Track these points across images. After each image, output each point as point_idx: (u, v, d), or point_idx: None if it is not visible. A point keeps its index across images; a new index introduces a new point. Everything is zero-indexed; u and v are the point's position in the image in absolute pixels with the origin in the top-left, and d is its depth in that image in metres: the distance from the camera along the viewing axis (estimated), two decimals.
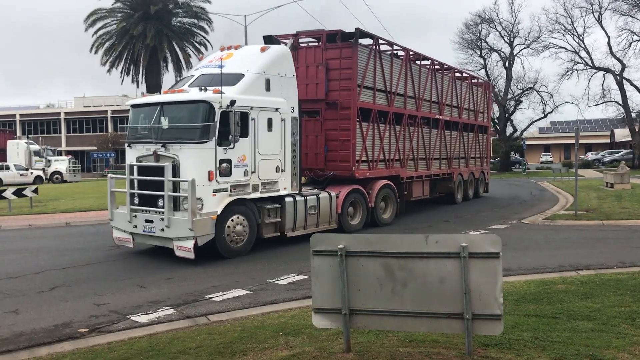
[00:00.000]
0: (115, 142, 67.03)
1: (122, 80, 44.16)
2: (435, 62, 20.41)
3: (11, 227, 17.27)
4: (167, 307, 7.97)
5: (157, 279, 9.81)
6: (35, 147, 51.49)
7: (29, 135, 58.93)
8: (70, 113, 72.98)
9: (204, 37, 44.70)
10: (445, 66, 21.61)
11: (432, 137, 20.00)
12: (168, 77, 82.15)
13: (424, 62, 19.46)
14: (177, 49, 43.49)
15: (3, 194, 20.10)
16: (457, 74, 22.96)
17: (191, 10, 44.07)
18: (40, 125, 68.91)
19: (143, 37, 40.76)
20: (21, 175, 43.37)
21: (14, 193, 20.55)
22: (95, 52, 42.66)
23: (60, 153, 60.39)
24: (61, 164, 51.32)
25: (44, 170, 49.59)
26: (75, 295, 8.80)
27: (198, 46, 44.48)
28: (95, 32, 42.70)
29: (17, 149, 50.51)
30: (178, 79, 43.58)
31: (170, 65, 44.15)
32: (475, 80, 25.15)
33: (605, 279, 8.71)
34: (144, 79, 43.26)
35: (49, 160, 51.90)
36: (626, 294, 7.74)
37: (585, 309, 7.01)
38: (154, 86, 42.83)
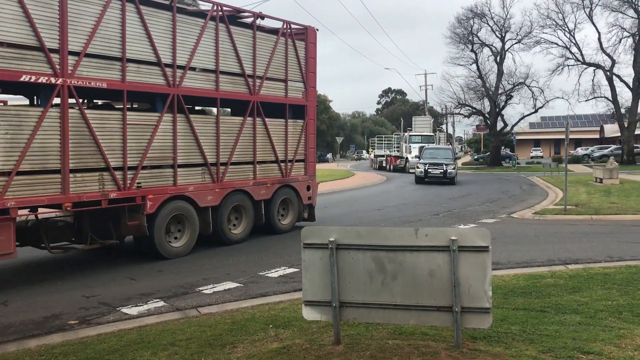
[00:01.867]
0: None
1: None
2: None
3: None
4: (157, 299, 7.96)
5: (148, 271, 9.79)
6: None
7: None
8: None
9: None
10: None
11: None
12: None
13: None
14: None
15: None
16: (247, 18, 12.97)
17: None
18: None
19: None
20: None
21: None
22: None
23: None
24: None
25: None
26: (65, 287, 8.78)
27: None
28: None
29: None
30: None
31: None
32: (286, 28, 13.66)
33: (593, 273, 8.79)
34: None
35: None
36: (613, 288, 7.82)
37: (573, 302, 7.08)
38: None
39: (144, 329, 6.63)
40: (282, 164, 13.69)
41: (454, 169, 32.16)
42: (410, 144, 42.40)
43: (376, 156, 55.24)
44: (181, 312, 7.44)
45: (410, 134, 44.58)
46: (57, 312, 7.43)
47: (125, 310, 7.50)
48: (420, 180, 31.96)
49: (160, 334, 6.32)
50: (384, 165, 50.67)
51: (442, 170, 31.46)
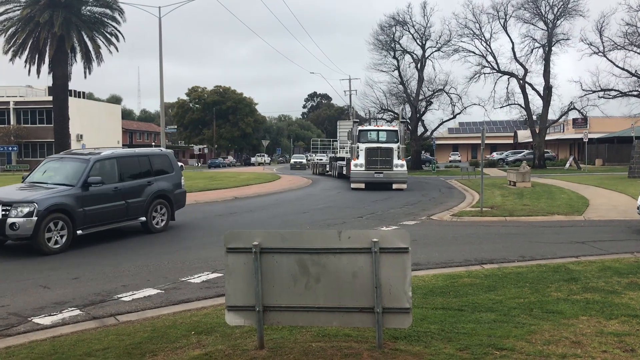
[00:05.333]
0: (19, 135, 63.36)
1: (29, 71, 41.16)
2: None
3: None
4: (72, 308, 7.62)
5: (63, 279, 9.36)
6: None
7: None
8: None
9: (115, 28, 42.96)
10: None
11: None
12: (76, 69, 78.46)
13: None
14: (87, 39, 41.45)
15: None
16: None
17: None
18: None
19: (50, 25, 38.57)
20: None
21: None
22: None
23: None
24: None
25: None
26: None
27: (109, 36, 42.70)
28: None
29: None
30: (87, 70, 41.62)
31: (79, 56, 42.07)
32: None
33: (507, 272, 9.20)
34: (50, 70, 40.94)
35: None
36: (525, 286, 8.22)
37: (489, 301, 7.38)
38: (61, 77, 40.70)
39: (57, 339, 6.33)
40: None
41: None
42: (359, 144, 29.42)
43: (316, 162, 50.30)
44: (98, 320, 7.16)
45: (362, 128, 31.34)
46: None
47: (37, 320, 7.13)
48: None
49: (75, 344, 6.06)
50: (327, 170, 45.16)
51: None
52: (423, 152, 66.84)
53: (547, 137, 57.99)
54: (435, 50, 54.27)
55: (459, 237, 13.52)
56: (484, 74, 51.75)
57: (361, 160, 28.90)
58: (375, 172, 28.57)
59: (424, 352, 5.36)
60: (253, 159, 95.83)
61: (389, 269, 5.13)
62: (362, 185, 28.91)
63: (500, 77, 52.06)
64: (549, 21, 49.49)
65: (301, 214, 18.81)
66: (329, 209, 20.08)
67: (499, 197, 22.78)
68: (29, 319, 7.18)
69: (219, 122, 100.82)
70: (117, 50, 43.16)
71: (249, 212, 19.18)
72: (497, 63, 51.72)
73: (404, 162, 29.34)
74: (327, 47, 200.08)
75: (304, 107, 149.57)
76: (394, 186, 28.56)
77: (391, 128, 31.69)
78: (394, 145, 29.18)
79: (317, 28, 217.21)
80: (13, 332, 6.69)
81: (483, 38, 51.63)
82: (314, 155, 55.94)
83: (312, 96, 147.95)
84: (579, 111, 50.62)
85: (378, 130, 31.29)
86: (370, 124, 43.63)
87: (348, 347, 5.49)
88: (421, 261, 10.32)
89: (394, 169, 28.54)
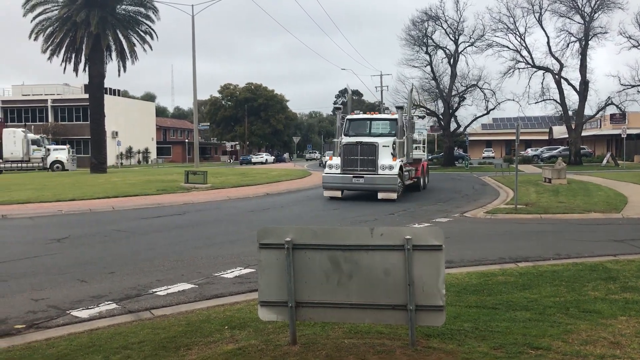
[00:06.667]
0: (57, 133, 64.88)
1: (64, 69, 42.27)
2: None
3: None
4: (109, 302, 7.78)
5: (99, 273, 9.56)
6: (33, 135, 50.80)
7: (26, 124, 57.67)
8: (8, 101, 70.05)
9: (150, 26, 43.64)
10: None
11: None
12: (112, 67, 79.96)
13: None
14: (122, 38, 42.21)
15: None
16: None
17: None
18: None
19: (86, 24, 39.38)
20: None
21: None
22: (35, 39, 40.98)
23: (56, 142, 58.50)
24: (61, 153, 50.46)
25: (43, 159, 49.21)
26: (12, 290, 8.47)
27: (143, 35, 43.38)
28: (35, 18, 41.01)
29: (14, 137, 49.50)
30: (122, 68, 42.38)
31: (114, 55, 42.87)
32: None
33: (542, 271, 9.05)
34: (86, 68, 41.83)
35: (48, 149, 51.16)
36: (561, 284, 8.07)
37: (524, 299, 7.27)
38: (96, 75, 41.51)
39: (95, 332, 6.46)
40: None
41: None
42: (342, 138, 22.63)
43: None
44: (134, 314, 7.29)
45: (350, 116, 23.96)
46: (3, 316, 7.16)
47: (75, 313, 7.29)
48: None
49: (112, 337, 6.18)
50: None
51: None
52: (456, 148, 66.13)
53: (584, 133, 56.79)
54: (469, 45, 53.60)
55: (492, 235, 13.35)
56: (519, 69, 50.98)
57: (337, 160, 22.12)
58: (354, 176, 21.38)
59: (457, 350, 5.31)
60: (255, 158, 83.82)
61: (422, 267, 5.10)
62: (338, 194, 22.14)
63: (535, 72, 51.16)
64: (585, 14, 48.36)
65: (332, 210, 18.82)
66: (359, 206, 20.02)
67: (534, 194, 22.40)
68: (68, 311, 7.35)
69: (250, 119, 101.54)
70: (151, 49, 43.92)
71: (280, 208, 19.28)
72: (531, 58, 50.83)
73: (397, 163, 21.46)
74: (356, 43, 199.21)
75: (335, 103, 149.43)
76: (380, 195, 21.30)
77: (388, 116, 23.70)
78: (383, 140, 21.83)
79: (346, 23, 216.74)
80: (52, 325, 6.86)
81: (517, 32, 50.79)
82: None
83: (343, 92, 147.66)
84: (617, 106, 49.43)
85: (371, 120, 23.57)
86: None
87: (381, 344, 5.48)
88: (454, 259, 10.22)
89: (379, 171, 21.16)
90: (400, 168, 21.72)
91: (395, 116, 22.92)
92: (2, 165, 48.28)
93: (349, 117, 23.77)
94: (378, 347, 5.38)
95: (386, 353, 5.21)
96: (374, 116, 24.04)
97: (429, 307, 5.15)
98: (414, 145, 25.88)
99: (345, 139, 22.16)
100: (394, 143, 22.21)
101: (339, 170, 21.73)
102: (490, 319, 6.37)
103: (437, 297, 5.12)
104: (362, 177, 21.27)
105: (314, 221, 15.87)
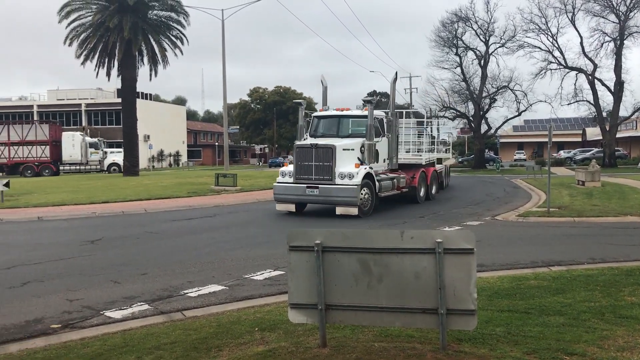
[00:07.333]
0: (91, 136, 66.21)
1: (97, 74, 43.30)
2: None
3: None
4: (141, 303, 7.90)
5: (132, 274, 9.71)
6: (91, 139, 52.44)
7: (85, 127, 59.45)
8: (43, 106, 71.80)
9: (180, 31, 44.26)
10: None
11: None
12: (143, 71, 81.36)
13: None
14: (153, 43, 42.92)
15: None
16: None
17: (167, 3, 43.55)
18: (12, 118, 67.67)
19: (119, 30, 40.14)
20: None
21: None
22: (70, 45, 41.93)
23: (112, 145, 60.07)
24: (118, 156, 51.97)
25: (100, 162, 50.79)
26: (48, 290, 8.67)
27: (174, 40, 44.01)
28: (70, 24, 41.97)
29: (73, 141, 51.11)
30: (153, 73, 43.09)
31: (146, 59, 43.60)
32: None
33: (576, 275, 8.87)
34: (119, 73, 42.65)
35: (105, 152, 52.79)
36: (596, 289, 7.89)
37: (557, 304, 7.14)
38: (129, 79, 42.25)
39: (128, 332, 6.57)
40: None
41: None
42: (308, 136, 19.64)
43: None
44: (166, 315, 7.38)
45: (316, 114, 20.50)
46: (40, 316, 7.34)
47: (109, 314, 7.43)
48: None
49: (144, 337, 6.27)
50: None
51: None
52: (487, 150, 65.39)
53: (618, 135, 55.60)
54: (500, 47, 53.06)
55: (524, 238, 13.15)
56: (551, 70, 50.24)
57: (291, 167, 18.33)
58: (308, 186, 17.54)
59: (489, 355, 5.24)
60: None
61: (453, 270, 5.04)
62: (292, 207, 18.36)
63: (568, 72, 50.33)
64: (621, 13, 47.39)
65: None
66: (388, 209, 19.93)
67: (567, 197, 22.00)
68: (101, 312, 7.49)
69: (279, 122, 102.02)
70: (182, 53, 44.52)
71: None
72: (564, 58, 50.04)
73: (361, 170, 17.29)
74: (385, 45, 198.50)
75: (363, 105, 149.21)
76: (338, 210, 17.42)
77: (357, 113, 19.46)
78: (345, 143, 17.93)
79: (375, 25, 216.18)
80: (87, 325, 7.00)
81: (549, 33, 50.06)
82: None
83: (372, 94, 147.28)
84: None
85: (340, 117, 19.50)
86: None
87: (411, 347, 5.44)
88: (486, 262, 10.10)
89: (337, 180, 17.24)
90: (369, 176, 17.68)
91: (366, 112, 18.70)
92: (62, 168, 49.55)
93: (316, 114, 20.23)
94: (408, 350, 5.35)
95: (417, 357, 5.17)
96: (344, 113, 19.66)
97: (460, 311, 5.09)
98: (423, 147, 24.17)
99: (300, 142, 18.74)
100: (362, 146, 18.20)
101: (291, 179, 17.95)
102: (523, 323, 6.28)
103: (468, 301, 5.06)
104: (317, 187, 17.43)
105: (344, 225, 15.83)
